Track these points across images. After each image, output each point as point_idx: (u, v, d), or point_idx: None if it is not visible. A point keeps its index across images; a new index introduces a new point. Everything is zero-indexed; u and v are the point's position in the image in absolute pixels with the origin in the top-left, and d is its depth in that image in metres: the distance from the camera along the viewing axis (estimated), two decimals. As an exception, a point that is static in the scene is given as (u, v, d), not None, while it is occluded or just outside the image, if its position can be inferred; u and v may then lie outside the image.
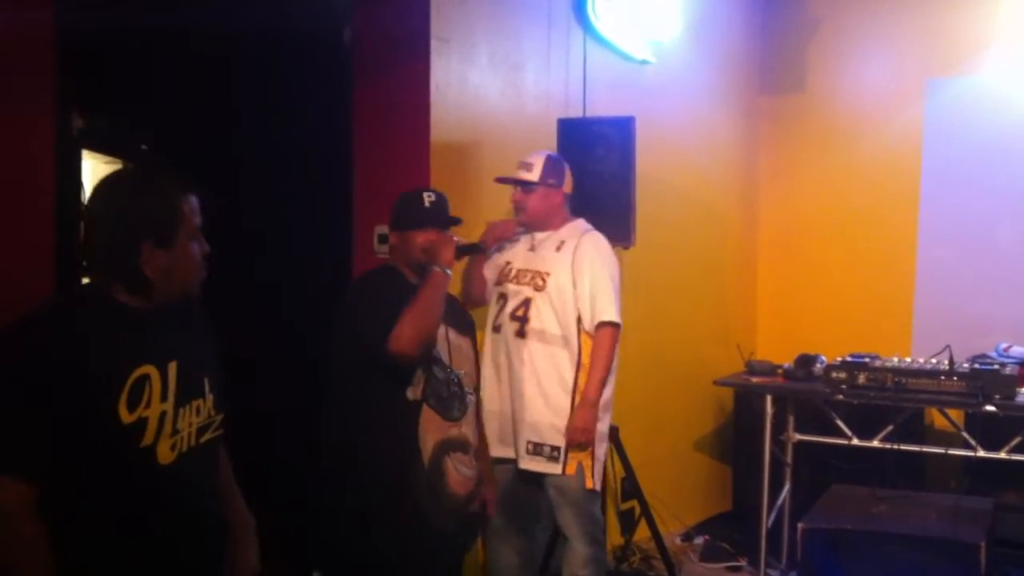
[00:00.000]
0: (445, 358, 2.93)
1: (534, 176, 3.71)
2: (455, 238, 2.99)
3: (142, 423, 1.98)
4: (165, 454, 2.02)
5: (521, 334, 3.71)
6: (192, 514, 2.11)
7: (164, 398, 2.03)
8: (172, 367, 2.06)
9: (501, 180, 3.81)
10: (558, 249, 3.74)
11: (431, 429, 2.86)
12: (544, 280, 3.71)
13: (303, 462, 3.08)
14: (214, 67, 4.10)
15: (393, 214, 3.03)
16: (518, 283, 3.76)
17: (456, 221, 3.04)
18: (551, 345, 3.69)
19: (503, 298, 3.78)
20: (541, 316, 3.69)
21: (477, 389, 3.14)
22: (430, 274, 2.86)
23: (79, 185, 4.15)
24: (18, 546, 1.90)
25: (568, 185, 3.79)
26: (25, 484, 1.90)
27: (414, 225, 2.96)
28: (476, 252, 3.42)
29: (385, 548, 2.82)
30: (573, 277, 3.69)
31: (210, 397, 2.16)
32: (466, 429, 2.98)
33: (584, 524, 3.72)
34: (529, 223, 3.78)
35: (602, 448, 3.78)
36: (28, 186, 3.19)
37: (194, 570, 2.13)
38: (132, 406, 1.96)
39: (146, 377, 2.00)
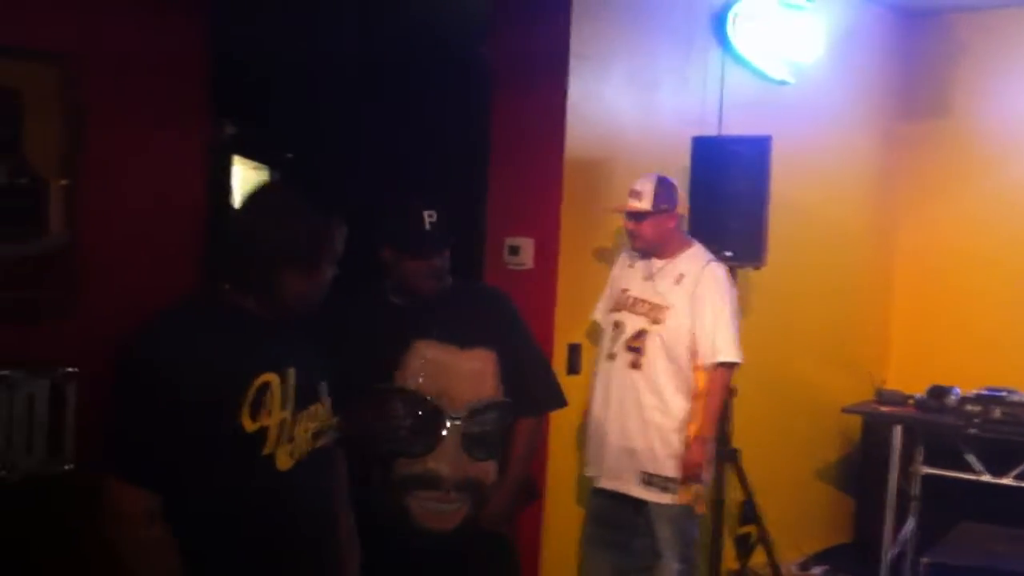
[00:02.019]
0: (415, 380, 2.72)
1: (646, 204, 3.62)
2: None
3: (263, 432, 2.00)
4: (284, 461, 2.04)
5: (636, 365, 3.66)
6: (311, 519, 2.12)
7: (284, 405, 2.04)
8: (291, 373, 2.07)
9: (613, 210, 3.78)
10: (678, 282, 3.67)
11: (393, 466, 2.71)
12: (663, 314, 3.65)
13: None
14: (359, 80, 4.25)
15: (381, 225, 2.81)
16: (635, 312, 3.70)
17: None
18: (665, 378, 3.64)
19: (619, 327, 3.72)
20: (657, 349, 3.63)
21: (495, 407, 2.82)
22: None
23: (228, 188, 4.37)
24: (143, 552, 1.93)
25: (682, 206, 3.75)
26: (147, 491, 1.92)
27: (399, 246, 2.74)
28: None
29: None
30: (693, 311, 3.62)
31: (326, 401, 2.17)
32: (436, 463, 2.73)
33: (681, 542, 3.68)
34: (645, 251, 3.74)
35: (709, 473, 3.77)
36: (182, 188, 3.39)
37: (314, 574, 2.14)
38: (255, 415, 1.98)
39: (267, 385, 2.01)
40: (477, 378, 2.78)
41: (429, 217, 2.71)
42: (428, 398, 2.71)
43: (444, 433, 2.73)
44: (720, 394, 3.65)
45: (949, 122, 6.07)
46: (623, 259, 3.86)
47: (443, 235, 2.74)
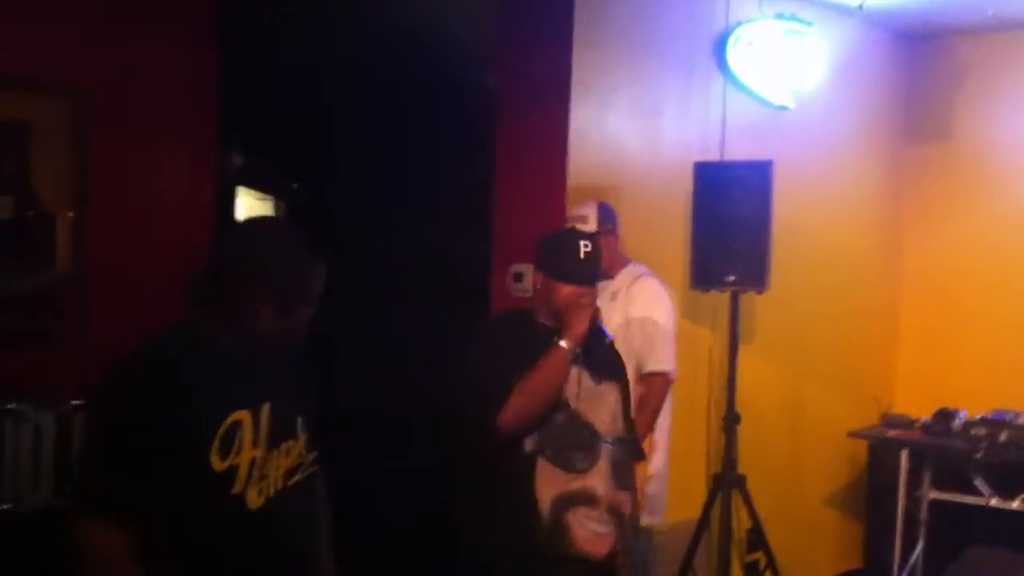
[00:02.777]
0: (572, 403, 2.73)
1: (592, 226, 3.56)
2: (598, 312, 2.80)
3: (232, 471, 1.98)
4: (254, 499, 2.02)
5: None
6: (285, 556, 2.10)
7: (255, 444, 2.03)
8: (265, 410, 2.06)
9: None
10: (613, 298, 3.63)
11: (549, 483, 2.68)
12: None
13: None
14: (365, 111, 4.29)
15: (542, 253, 2.85)
16: None
17: (604, 276, 2.93)
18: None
19: None
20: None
21: (626, 441, 2.86)
22: (554, 348, 2.67)
23: (234, 219, 4.39)
24: None
25: (618, 227, 3.72)
26: (119, 526, 1.91)
27: (561, 276, 2.76)
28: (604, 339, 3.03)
29: None
30: (627, 327, 3.58)
31: (302, 437, 2.15)
32: (594, 481, 2.73)
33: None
34: None
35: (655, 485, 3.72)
36: (190, 218, 3.42)
37: None
38: (224, 454, 1.97)
39: (238, 424, 2.00)
40: (614, 411, 2.83)
41: (584, 247, 2.76)
42: (586, 420, 2.74)
43: (600, 454, 2.75)
44: (653, 403, 3.58)
45: (952, 145, 6.08)
46: None
47: (597, 265, 2.81)
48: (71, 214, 3.15)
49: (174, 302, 3.16)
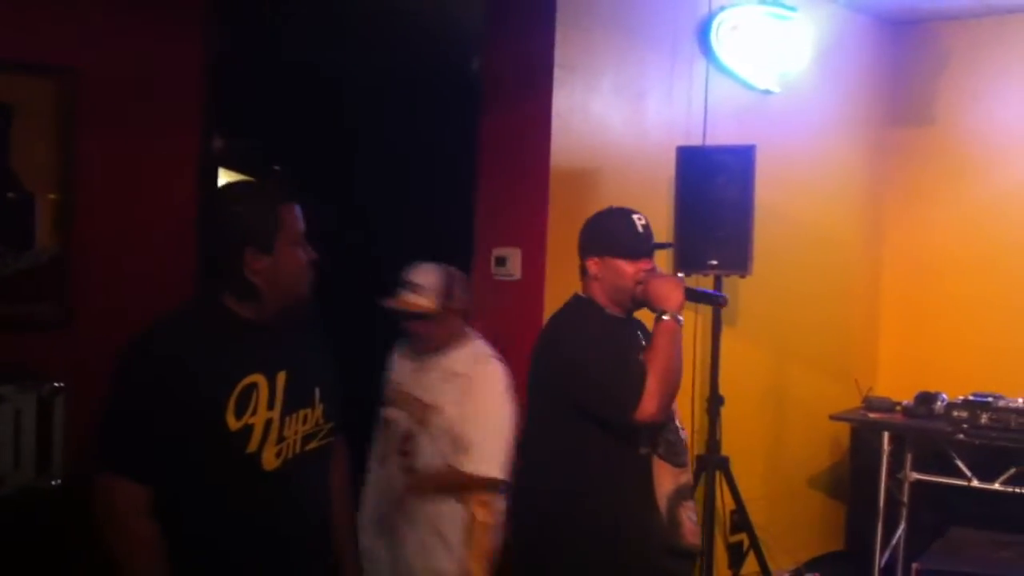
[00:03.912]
0: None
1: (429, 302, 3.08)
2: (682, 279, 2.73)
3: (248, 430, 2.04)
4: (270, 460, 2.08)
5: (408, 469, 3.10)
6: (299, 519, 2.15)
7: (271, 406, 2.09)
8: (281, 377, 2.12)
9: (390, 307, 3.11)
10: (447, 380, 3.10)
11: (664, 480, 2.63)
12: (428, 415, 3.08)
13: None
14: (347, 94, 4.28)
15: (591, 237, 2.76)
16: (400, 408, 3.16)
17: (666, 245, 2.84)
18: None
19: (388, 425, 3.19)
20: (425, 455, 3.07)
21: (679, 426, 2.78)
22: (660, 325, 2.58)
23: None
24: (132, 546, 1.98)
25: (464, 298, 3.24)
26: (137, 485, 1.98)
27: (624, 254, 2.67)
28: (717, 303, 2.96)
29: None
30: (462, 414, 3.03)
31: (320, 407, 2.20)
32: (688, 473, 2.74)
33: None
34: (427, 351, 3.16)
35: None
36: (173, 200, 3.41)
37: (300, 573, 2.17)
38: (239, 413, 2.03)
39: (254, 386, 2.07)
40: None
41: (639, 220, 2.73)
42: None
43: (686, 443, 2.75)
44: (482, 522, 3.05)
45: (935, 129, 6.11)
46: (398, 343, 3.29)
47: (652, 236, 2.75)
48: (53, 196, 3.14)
49: (158, 282, 3.18)
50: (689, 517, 2.69)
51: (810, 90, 5.41)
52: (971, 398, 4.47)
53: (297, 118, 4.55)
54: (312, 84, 4.34)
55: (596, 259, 2.72)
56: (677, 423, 2.72)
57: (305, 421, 2.17)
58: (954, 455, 4.57)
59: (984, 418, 4.34)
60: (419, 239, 4.31)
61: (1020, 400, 4.45)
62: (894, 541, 4.84)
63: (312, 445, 2.18)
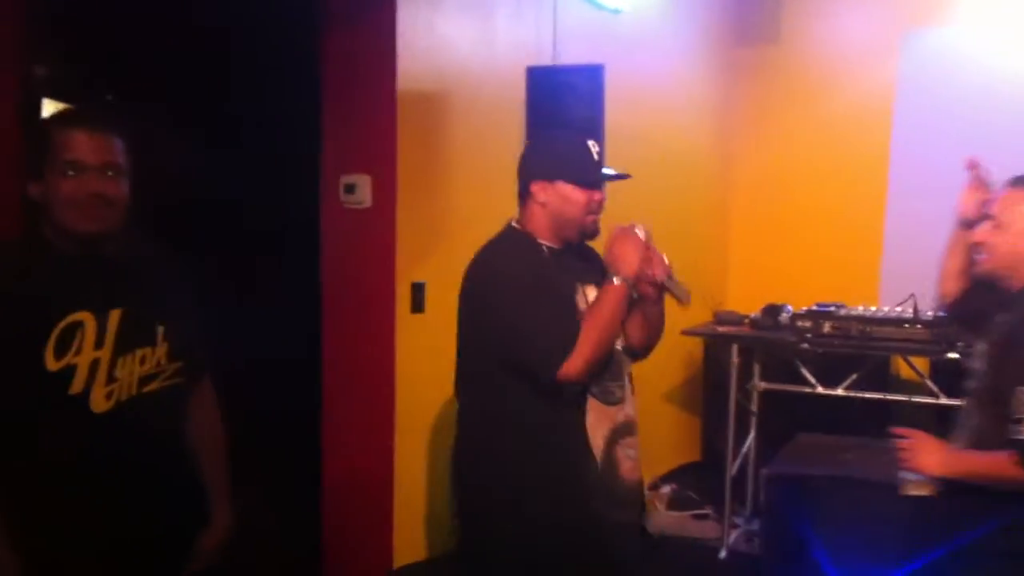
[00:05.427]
0: None
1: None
2: (661, 259, 2.61)
3: (69, 370, 1.95)
4: (99, 402, 1.99)
5: None
6: (137, 463, 2.07)
7: (99, 345, 1.99)
8: (115, 314, 2.03)
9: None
10: None
11: (599, 422, 2.51)
12: None
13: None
14: (182, 17, 4.05)
15: (540, 158, 2.57)
16: None
17: (621, 176, 2.66)
18: None
19: None
20: None
21: (629, 349, 2.69)
22: (609, 286, 2.46)
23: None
24: None
25: None
26: None
27: (577, 179, 2.50)
28: (680, 301, 2.70)
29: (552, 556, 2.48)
30: None
31: (162, 346, 2.12)
32: (629, 407, 2.61)
33: None
34: None
35: None
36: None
37: (141, 518, 2.09)
38: (59, 353, 1.94)
39: (79, 324, 1.97)
40: None
41: (594, 147, 2.56)
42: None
43: (625, 375, 2.64)
44: None
45: (779, 47, 6.24)
46: None
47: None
48: None
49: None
50: (627, 455, 2.56)
51: (658, 10, 5.42)
52: (814, 308, 4.63)
53: (125, 47, 4.29)
54: (139, 9, 4.09)
55: (544, 183, 2.53)
56: (618, 351, 2.58)
57: (143, 361, 2.07)
58: (800, 364, 4.74)
59: (827, 327, 4.50)
60: (263, 168, 4.17)
61: (860, 308, 4.64)
62: (744, 449, 5.02)
63: (152, 387, 2.09)
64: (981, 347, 2.55)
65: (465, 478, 2.64)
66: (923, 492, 2.48)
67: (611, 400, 2.56)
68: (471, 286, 2.56)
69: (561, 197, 2.53)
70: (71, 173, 1.99)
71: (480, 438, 2.58)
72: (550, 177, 2.53)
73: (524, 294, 2.43)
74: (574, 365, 2.37)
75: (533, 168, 2.58)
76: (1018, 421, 2.29)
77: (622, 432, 2.58)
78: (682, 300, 2.66)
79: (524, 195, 2.59)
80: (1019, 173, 2.57)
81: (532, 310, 2.42)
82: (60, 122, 2.04)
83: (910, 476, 2.49)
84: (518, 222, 2.61)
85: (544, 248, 2.56)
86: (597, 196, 2.56)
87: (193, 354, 2.21)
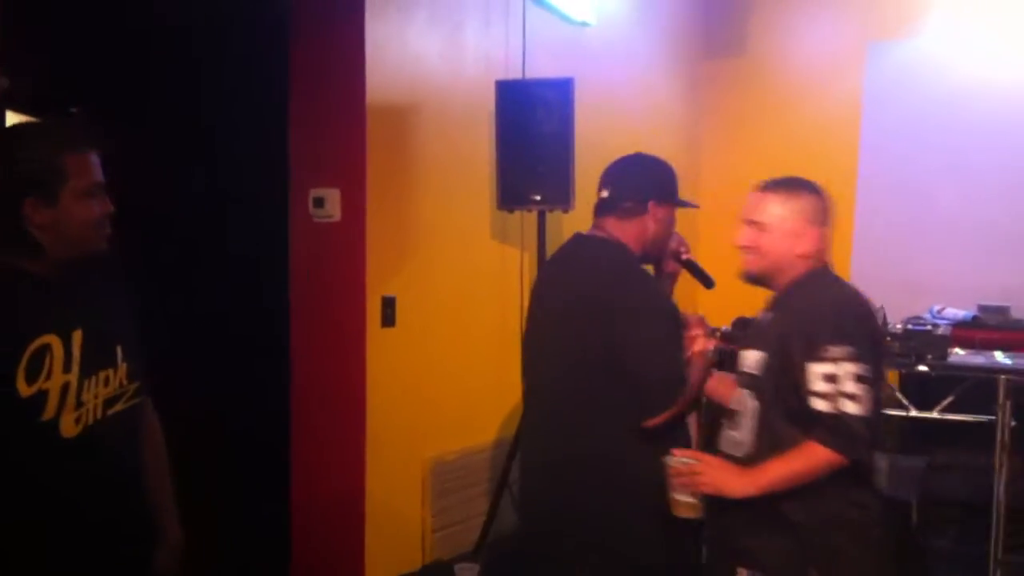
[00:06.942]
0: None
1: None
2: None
3: (42, 396, 1.91)
4: (68, 427, 1.95)
5: None
6: (105, 486, 2.03)
7: (67, 368, 1.95)
8: (77, 336, 1.98)
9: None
10: None
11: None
12: None
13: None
14: (150, 29, 4.01)
15: (657, 179, 2.68)
16: None
17: (690, 204, 2.77)
18: None
19: None
20: None
21: None
22: (700, 355, 2.49)
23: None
24: None
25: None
26: None
27: (678, 204, 2.66)
28: (707, 283, 2.85)
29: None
30: None
31: (122, 366, 2.08)
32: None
33: None
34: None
35: None
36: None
37: (109, 543, 2.05)
38: (31, 378, 1.89)
39: (47, 347, 1.93)
40: None
41: None
42: None
43: None
44: None
45: (746, 60, 6.28)
46: None
47: None
48: None
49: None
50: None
51: (627, 23, 5.43)
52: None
53: (93, 56, 4.23)
54: (105, 18, 4.03)
55: (661, 203, 2.63)
56: None
57: (107, 383, 2.03)
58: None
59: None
60: (232, 180, 4.12)
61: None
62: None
63: (116, 408, 2.05)
64: (753, 353, 2.44)
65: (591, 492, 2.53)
66: (692, 515, 2.34)
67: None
68: (588, 290, 2.53)
69: (668, 220, 2.65)
70: (93, 195, 1.98)
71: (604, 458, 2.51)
72: (667, 199, 2.65)
73: (668, 324, 2.49)
74: (663, 415, 2.41)
75: (651, 187, 2.64)
76: (813, 394, 2.22)
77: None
78: (706, 281, 2.81)
79: (632, 210, 2.63)
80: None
81: (670, 349, 2.45)
82: (71, 146, 1.97)
83: (684, 497, 2.32)
84: (608, 234, 2.63)
85: (666, 275, 2.71)
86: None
87: (142, 372, 2.17)
